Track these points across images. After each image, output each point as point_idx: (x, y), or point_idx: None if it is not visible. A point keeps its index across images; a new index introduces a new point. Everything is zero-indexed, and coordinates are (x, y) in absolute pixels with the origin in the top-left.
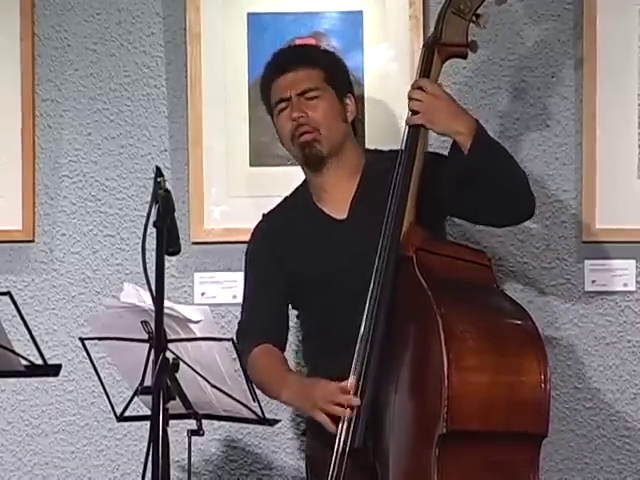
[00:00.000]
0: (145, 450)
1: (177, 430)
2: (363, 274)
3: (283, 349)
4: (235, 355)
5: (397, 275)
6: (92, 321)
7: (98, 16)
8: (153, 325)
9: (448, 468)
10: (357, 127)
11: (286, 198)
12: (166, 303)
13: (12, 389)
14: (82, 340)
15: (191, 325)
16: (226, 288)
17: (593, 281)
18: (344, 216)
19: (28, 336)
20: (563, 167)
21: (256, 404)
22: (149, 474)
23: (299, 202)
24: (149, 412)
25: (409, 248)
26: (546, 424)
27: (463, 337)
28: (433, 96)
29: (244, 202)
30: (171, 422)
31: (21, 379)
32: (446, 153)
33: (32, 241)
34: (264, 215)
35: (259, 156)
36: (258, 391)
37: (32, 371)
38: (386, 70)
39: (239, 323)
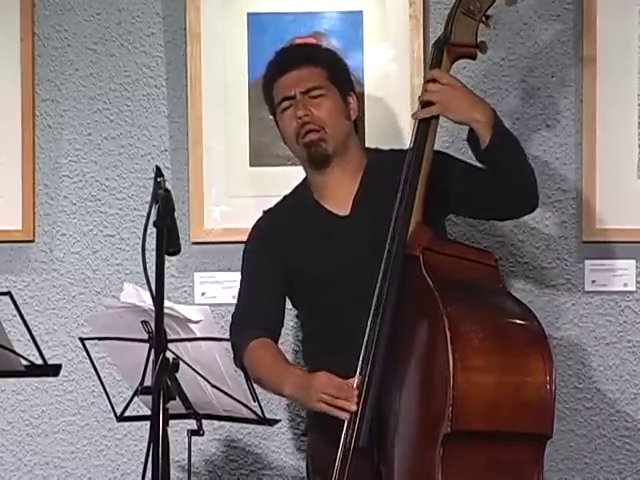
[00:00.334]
0: (145, 450)
1: (177, 430)
2: (366, 272)
3: (277, 342)
4: None
5: (403, 274)
6: (92, 321)
7: (98, 16)
8: (153, 325)
9: (452, 468)
10: (358, 125)
11: (286, 197)
12: (166, 303)
13: (12, 389)
14: (82, 340)
15: (191, 325)
16: (226, 288)
17: (593, 281)
18: (347, 212)
19: (28, 336)
20: (563, 167)
21: (256, 404)
22: (149, 474)
23: (300, 200)
24: (149, 412)
25: (416, 248)
26: (551, 425)
27: (469, 337)
28: (449, 85)
29: (244, 202)
30: (171, 422)
31: (21, 379)
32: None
33: (32, 241)
34: (264, 212)
35: (259, 156)
36: (258, 391)
37: (32, 371)
38: (386, 70)
39: (233, 317)
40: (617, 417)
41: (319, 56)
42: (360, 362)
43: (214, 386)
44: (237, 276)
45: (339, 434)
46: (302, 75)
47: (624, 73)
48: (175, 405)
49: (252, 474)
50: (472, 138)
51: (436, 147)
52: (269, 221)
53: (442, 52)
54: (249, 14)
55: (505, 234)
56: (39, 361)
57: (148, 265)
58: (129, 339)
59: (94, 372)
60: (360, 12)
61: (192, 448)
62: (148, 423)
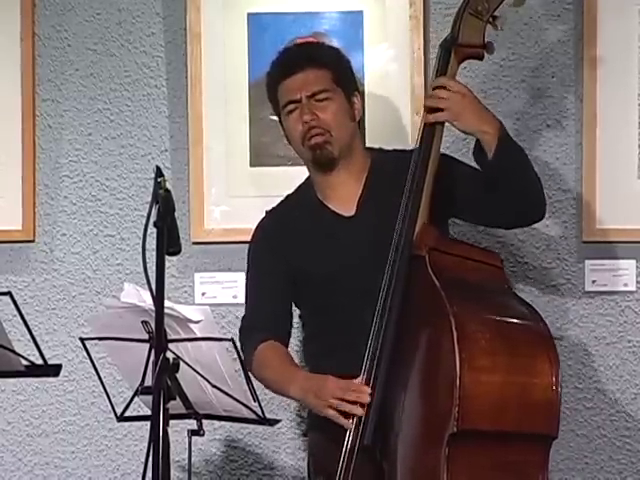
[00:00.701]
0: (145, 450)
1: (177, 430)
2: (369, 272)
3: (287, 345)
4: (235, 355)
5: (409, 274)
6: (92, 321)
7: (98, 16)
8: (153, 325)
9: (457, 467)
10: (360, 125)
11: (289, 196)
12: (166, 303)
13: (12, 389)
14: (82, 340)
15: (191, 325)
16: (226, 288)
17: (593, 281)
18: (351, 213)
19: (28, 336)
20: (563, 167)
21: (256, 404)
22: (149, 474)
23: (303, 199)
24: (149, 412)
25: (422, 248)
26: (557, 425)
27: (476, 337)
28: (459, 94)
29: (244, 202)
30: (171, 422)
31: (21, 379)
32: (455, 154)
33: (32, 241)
34: (267, 212)
35: (259, 156)
36: (259, 391)
37: (32, 371)
38: (386, 70)
39: (242, 320)
40: (617, 417)
41: (324, 57)
42: (365, 361)
43: (214, 386)
44: (237, 276)
45: (342, 433)
46: (308, 78)
47: (624, 73)
48: (175, 405)
49: (252, 474)
50: (477, 149)
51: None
52: (273, 221)
53: (449, 53)
54: (249, 14)
55: (505, 234)
56: (39, 361)
57: (148, 265)
58: (129, 339)
59: (94, 372)
60: (360, 12)
61: (192, 448)
62: (148, 423)
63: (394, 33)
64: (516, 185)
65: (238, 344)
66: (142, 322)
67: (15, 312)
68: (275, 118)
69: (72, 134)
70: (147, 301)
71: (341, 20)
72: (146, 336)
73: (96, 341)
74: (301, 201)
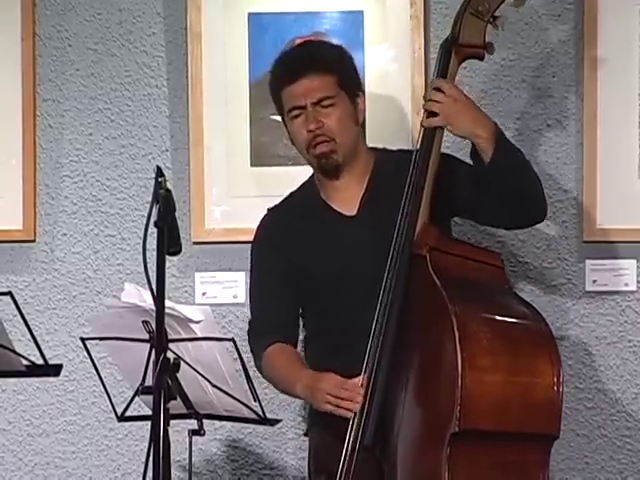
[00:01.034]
0: (146, 450)
1: (178, 430)
2: (371, 272)
3: (296, 345)
4: (236, 355)
5: (410, 274)
6: (93, 321)
7: (99, 16)
8: (154, 325)
9: (459, 467)
10: (361, 125)
11: (292, 193)
12: (167, 303)
13: (13, 389)
14: (83, 340)
15: (192, 325)
16: (227, 288)
17: (594, 281)
18: (354, 213)
19: (29, 336)
20: (564, 167)
21: (257, 404)
22: (150, 474)
23: (306, 198)
24: (150, 412)
25: (423, 247)
26: (558, 425)
27: (477, 337)
28: (453, 98)
29: (245, 202)
30: (172, 422)
31: (22, 379)
32: (456, 154)
33: (33, 241)
34: (269, 210)
35: (260, 156)
36: (259, 391)
37: (33, 371)
38: (386, 70)
39: (250, 323)
40: (618, 417)
41: (329, 61)
42: (366, 361)
43: (215, 386)
44: (238, 276)
45: (343, 433)
46: (313, 85)
47: (625, 73)
48: (176, 405)
49: (253, 474)
50: (474, 153)
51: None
52: (275, 219)
53: (450, 53)
54: (250, 14)
55: (505, 234)
56: (40, 361)
57: (149, 265)
58: (130, 339)
59: (95, 372)
60: (361, 12)
61: (193, 448)
62: (149, 423)
63: (394, 33)
64: (514, 187)
65: (248, 347)
66: (143, 322)
67: (15, 312)
68: (276, 118)
69: (73, 134)
70: (148, 301)
71: (341, 20)
72: (147, 336)
73: (97, 341)
74: (304, 200)
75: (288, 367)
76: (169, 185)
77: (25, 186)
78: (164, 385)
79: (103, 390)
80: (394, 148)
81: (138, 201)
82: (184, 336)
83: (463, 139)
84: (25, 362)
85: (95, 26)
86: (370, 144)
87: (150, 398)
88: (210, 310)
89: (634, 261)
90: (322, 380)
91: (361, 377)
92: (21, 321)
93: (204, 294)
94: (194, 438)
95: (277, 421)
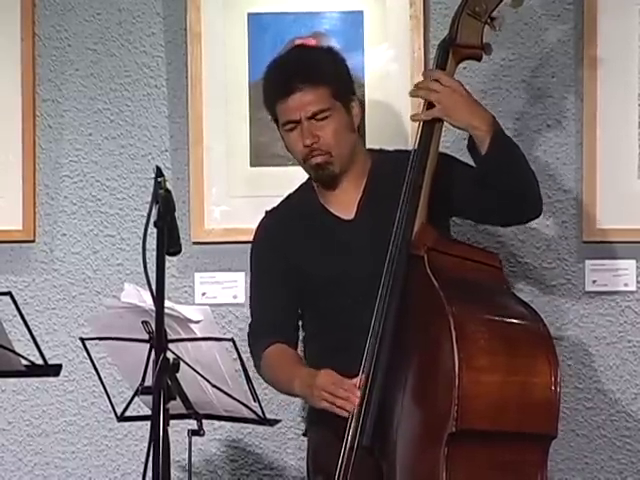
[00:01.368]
0: (146, 450)
1: (177, 430)
2: (370, 275)
3: (296, 347)
4: (235, 355)
5: (408, 274)
6: (92, 321)
7: (99, 16)
8: (154, 325)
9: (456, 467)
10: (360, 127)
11: (289, 196)
12: (167, 303)
13: (12, 389)
14: (82, 340)
15: (191, 325)
16: (226, 288)
17: (594, 281)
18: (351, 216)
19: (29, 336)
20: (563, 167)
21: (257, 404)
22: (150, 474)
23: (304, 201)
24: (149, 412)
25: (420, 248)
26: (556, 425)
27: (475, 337)
28: (451, 89)
29: (244, 202)
30: (171, 422)
31: (22, 379)
32: (456, 154)
33: (33, 241)
34: (267, 212)
35: (259, 156)
36: (259, 391)
37: (33, 371)
38: (386, 70)
39: (250, 325)
40: (617, 417)
41: (322, 72)
42: (364, 361)
43: (214, 386)
44: (237, 276)
45: (341, 432)
46: (306, 99)
47: (624, 73)
48: (175, 405)
49: (252, 474)
50: (471, 145)
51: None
52: (274, 220)
53: (447, 53)
54: (249, 14)
55: (505, 234)
56: (39, 361)
57: (148, 265)
58: (129, 339)
59: (94, 372)
60: (360, 12)
61: (192, 448)
62: (148, 423)
63: (394, 33)
64: (510, 180)
65: (247, 347)
66: (142, 322)
67: (15, 312)
68: None
69: (72, 134)
70: (147, 301)
71: (341, 20)
72: (146, 336)
73: (96, 341)
74: (302, 202)
75: (287, 366)
76: (169, 185)
77: (25, 186)
78: (164, 385)
79: (103, 390)
80: (391, 149)
81: (138, 201)
82: (184, 336)
83: (464, 139)
84: (25, 362)
85: (94, 26)
86: (369, 145)
87: (150, 398)
88: (210, 310)
89: (634, 261)
90: (319, 377)
91: (359, 377)
92: (21, 321)
93: (204, 294)
94: (194, 438)
95: (277, 421)
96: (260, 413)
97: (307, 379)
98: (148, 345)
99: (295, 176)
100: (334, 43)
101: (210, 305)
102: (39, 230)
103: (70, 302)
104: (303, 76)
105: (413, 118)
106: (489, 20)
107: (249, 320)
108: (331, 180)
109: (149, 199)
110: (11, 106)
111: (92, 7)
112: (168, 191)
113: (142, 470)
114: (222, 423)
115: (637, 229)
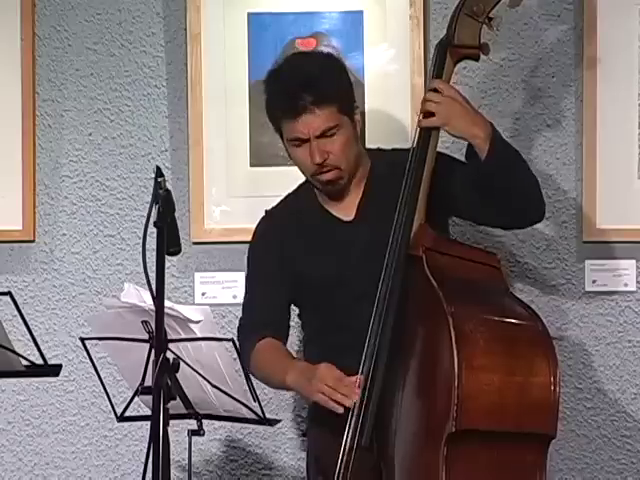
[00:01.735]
0: (145, 450)
1: (177, 430)
2: (369, 276)
3: (285, 343)
4: (235, 355)
5: (406, 275)
6: (92, 321)
7: (98, 16)
8: (153, 325)
9: (456, 467)
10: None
11: (289, 196)
12: (166, 303)
13: (12, 389)
14: (82, 340)
15: (191, 325)
16: (226, 288)
17: (594, 281)
18: (351, 218)
19: (28, 336)
20: (563, 167)
21: (256, 404)
22: (149, 474)
23: (303, 201)
24: (149, 412)
25: (419, 248)
26: (555, 425)
27: (474, 337)
28: (450, 98)
29: (244, 202)
30: (171, 422)
31: (22, 379)
32: (453, 154)
33: (32, 241)
34: (266, 212)
35: (259, 156)
36: (259, 391)
37: (32, 371)
38: (386, 70)
39: (240, 320)
40: (617, 417)
41: (328, 90)
42: (363, 361)
43: (214, 386)
44: (237, 276)
45: (341, 432)
46: (315, 121)
47: (624, 73)
48: (175, 405)
49: (252, 474)
50: (471, 153)
51: (437, 148)
52: (273, 221)
53: (445, 53)
54: (249, 14)
55: (505, 234)
56: (39, 361)
57: (148, 265)
58: (129, 339)
59: (94, 372)
60: (360, 12)
61: (192, 448)
62: (148, 423)
63: (394, 33)
64: (511, 187)
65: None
66: (142, 322)
67: (15, 312)
68: None
69: (72, 134)
70: (147, 301)
71: (341, 20)
72: (146, 336)
73: (96, 341)
74: (302, 203)
75: (278, 359)
76: (168, 185)
77: (24, 186)
78: (164, 385)
79: (102, 390)
80: (388, 147)
81: (137, 201)
82: (184, 336)
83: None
84: (25, 362)
85: (94, 26)
86: (369, 144)
87: (149, 398)
88: (209, 310)
89: (633, 261)
90: (321, 369)
91: (358, 376)
92: (21, 321)
93: (204, 294)
94: (194, 438)
95: (276, 421)
96: (260, 413)
97: (304, 371)
98: (148, 345)
99: (295, 176)
100: (334, 43)
101: (210, 305)
102: (39, 230)
103: (70, 302)
104: (310, 96)
105: (419, 124)
106: (487, 20)
107: (240, 316)
108: (339, 192)
109: (149, 199)
110: (11, 106)
111: (92, 7)
112: (168, 191)
113: (142, 470)
114: (222, 423)
115: (637, 229)
